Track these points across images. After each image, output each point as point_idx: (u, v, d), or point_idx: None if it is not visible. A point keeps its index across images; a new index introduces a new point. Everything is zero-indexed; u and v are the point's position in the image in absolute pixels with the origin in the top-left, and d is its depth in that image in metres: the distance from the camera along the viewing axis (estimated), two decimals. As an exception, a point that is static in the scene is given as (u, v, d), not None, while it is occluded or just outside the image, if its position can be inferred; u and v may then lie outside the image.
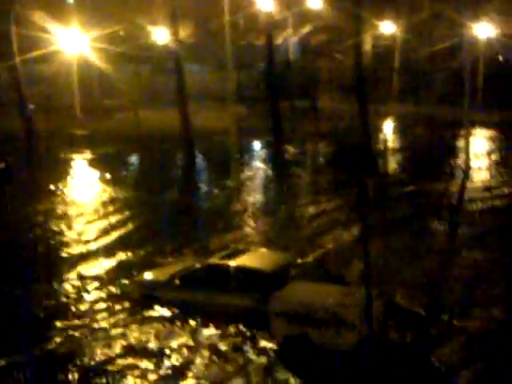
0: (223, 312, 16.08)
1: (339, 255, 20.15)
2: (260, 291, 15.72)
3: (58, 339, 15.76)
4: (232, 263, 16.59)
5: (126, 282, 18.90)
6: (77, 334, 16.04)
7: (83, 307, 17.60)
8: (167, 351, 14.99)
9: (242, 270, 16.34)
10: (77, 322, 16.77)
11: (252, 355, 14.67)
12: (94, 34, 41.73)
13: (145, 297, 17.49)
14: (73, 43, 41.42)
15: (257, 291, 15.79)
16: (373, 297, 13.91)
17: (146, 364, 14.50)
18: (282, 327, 14.70)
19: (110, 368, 14.44)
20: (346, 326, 14.00)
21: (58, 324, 16.55)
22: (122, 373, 14.23)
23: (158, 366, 14.43)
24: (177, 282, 17.13)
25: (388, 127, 45.94)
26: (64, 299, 18.13)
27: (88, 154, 38.59)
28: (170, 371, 14.27)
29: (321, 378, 13.57)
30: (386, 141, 36.31)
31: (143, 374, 14.13)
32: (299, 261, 17.99)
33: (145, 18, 52.67)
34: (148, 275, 18.29)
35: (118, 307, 17.45)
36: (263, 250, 18.47)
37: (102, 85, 50.80)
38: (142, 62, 54.10)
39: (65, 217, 25.89)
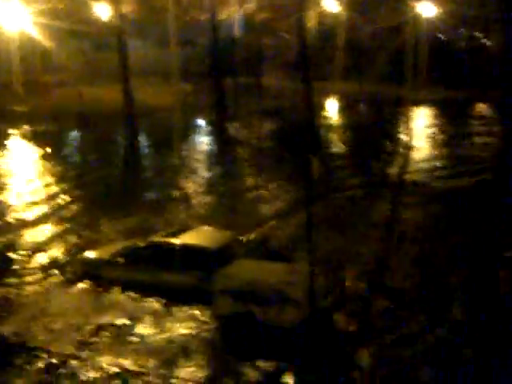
0: (167, 290, 16.04)
1: (282, 233, 20.26)
2: (204, 269, 15.72)
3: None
4: (176, 241, 16.58)
5: (67, 259, 18.79)
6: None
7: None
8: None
9: (185, 248, 16.34)
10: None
11: (194, 332, 14.65)
12: (34, 8, 40.93)
13: (87, 275, 17.36)
14: (13, 17, 40.56)
15: (200, 269, 15.80)
16: (316, 274, 14.00)
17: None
18: (226, 305, 14.69)
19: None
20: (290, 304, 14.07)
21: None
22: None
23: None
24: (120, 260, 17.03)
25: (331, 105, 46.15)
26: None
27: (27, 130, 37.94)
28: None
29: (261, 356, 13.60)
30: (328, 118, 36.52)
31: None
32: (243, 239, 17.95)
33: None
34: (90, 253, 18.12)
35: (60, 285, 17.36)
36: (207, 227, 18.39)
37: (44, 60, 49.80)
38: (85, 37, 53.22)
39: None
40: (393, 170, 27.74)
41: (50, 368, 13.15)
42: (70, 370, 13.02)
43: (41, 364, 13.32)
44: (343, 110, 45.16)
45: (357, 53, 51.47)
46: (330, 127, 34.30)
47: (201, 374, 12.97)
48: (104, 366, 13.13)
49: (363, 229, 20.41)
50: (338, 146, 33.53)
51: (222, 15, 49.16)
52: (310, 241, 14.38)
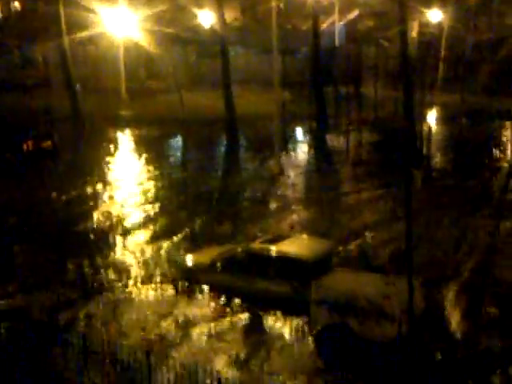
0: (263, 298, 16.17)
1: (381, 244, 20.13)
2: (300, 278, 15.74)
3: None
4: (273, 249, 16.65)
5: (167, 263, 19.19)
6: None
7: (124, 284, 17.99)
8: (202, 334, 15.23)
9: (282, 256, 16.38)
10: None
11: (290, 342, 14.75)
12: (140, 14, 42.00)
13: (187, 279, 17.70)
14: (120, 24, 41.73)
15: (297, 278, 15.82)
16: (414, 288, 13.78)
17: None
18: (323, 315, 14.72)
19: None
20: (387, 318, 13.98)
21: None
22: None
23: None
24: (218, 265, 17.27)
25: (432, 116, 45.51)
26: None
27: (132, 134, 39.10)
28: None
29: (356, 368, 13.57)
30: (430, 130, 36.00)
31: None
32: (341, 249, 17.95)
33: (190, 0, 52.81)
34: (190, 258, 18.49)
35: (160, 288, 17.74)
36: (304, 236, 18.46)
37: (148, 66, 51.10)
38: (188, 44, 54.25)
39: (107, 195, 26.40)
40: (495, 188, 27.13)
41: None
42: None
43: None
44: (444, 121, 44.41)
45: (459, 64, 50.65)
46: (431, 139, 33.76)
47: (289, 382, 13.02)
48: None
49: (465, 244, 20.04)
50: (439, 159, 33.02)
51: (324, 24, 49.21)
52: (409, 253, 14.15)
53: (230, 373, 13.10)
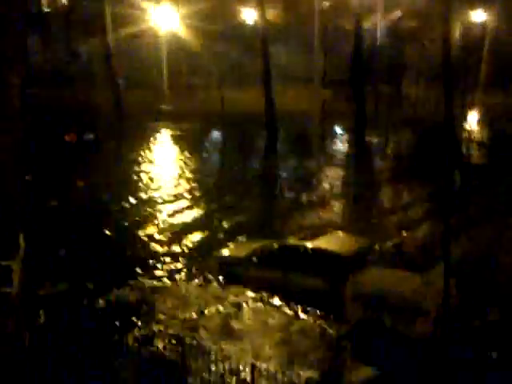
0: (298, 292, 16.35)
1: (417, 242, 20.18)
2: (336, 274, 15.93)
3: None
4: (309, 245, 16.82)
5: (206, 257, 19.47)
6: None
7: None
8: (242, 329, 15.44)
9: (318, 253, 16.55)
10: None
11: (323, 337, 14.90)
12: (184, 11, 42.45)
13: (224, 272, 17.96)
14: (164, 20, 42.23)
15: (332, 274, 16.00)
16: (451, 288, 13.83)
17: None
18: (357, 311, 14.88)
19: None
20: (421, 315, 14.09)
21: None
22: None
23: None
24: (255, 259, 17.47)
25: (473, 117, 45.21)
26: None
27: (173, 129, 39.55)
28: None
29: (390, 363, 13.65)
30: (470, 130, 35.84)
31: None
32: (377, 246, 18.03)
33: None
34: (227, 252, 18.77)
35: (197, 281, 18.02)
36: (341, 233, 18.60)
37: (190, 62, 51.47)
38: (230, 41, 54.52)
39: (146, 190, 26.84)
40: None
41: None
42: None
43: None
44: (485, 122, 44.09)
45: (501, 65, 50.13)
46: (472, 140, 33.60)
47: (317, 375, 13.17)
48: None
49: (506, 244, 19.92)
50: (479, 160, 32.84)
51: (366, 23, 49.08)
52: (446, 252, 14.18)
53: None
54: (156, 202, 24.82)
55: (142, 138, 36.24)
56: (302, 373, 12.56)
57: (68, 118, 35.41)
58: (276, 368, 12.39)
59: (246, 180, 28.43)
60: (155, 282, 17.81)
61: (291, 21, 56.31)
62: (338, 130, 41.62)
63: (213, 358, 12.26)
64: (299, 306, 16.09)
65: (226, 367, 12.27)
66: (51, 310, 14.90)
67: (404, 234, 21.14)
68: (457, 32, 50.48)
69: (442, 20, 33.49)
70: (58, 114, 36.26)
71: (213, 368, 12.27)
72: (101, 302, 16.25)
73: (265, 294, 16.74)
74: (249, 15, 53.28)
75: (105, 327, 14.42)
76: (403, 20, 54.98)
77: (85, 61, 54.21)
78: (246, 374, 12.30)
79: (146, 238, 21.08)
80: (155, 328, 14.94)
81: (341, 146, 36.98)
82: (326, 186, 27.73)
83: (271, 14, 46.42)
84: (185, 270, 18.73)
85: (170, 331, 14.74)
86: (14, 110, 11.18)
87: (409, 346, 13.95)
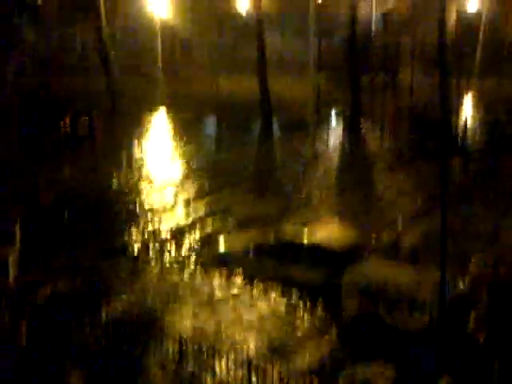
0: (294, 284, 16.28)
1: (415, 234, 20.10)
2: (331, 266, 15.89)
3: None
4: (304, 235, 16.80)
5: (199, 245, 19.34)
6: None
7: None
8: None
9: (314, 243, 16.53)
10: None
11: (319, 330, 14.82)
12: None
13: (221, 262, 17.85)
14: (158, 8, 42.01)
15: (328, 266, 15.97)
16: (448, 279, 13.83)
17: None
18: (353, 304, 14.84)
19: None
20: (419, 308, 14.05)
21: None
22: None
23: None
24: (249, 251, 17.40)
25: (468, 102, 45.16)
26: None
27: (167, 116, 39.45)
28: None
29: (385, 356, 13.61)
30: (466, 117, 35.78)
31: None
32: (373, 237, 17.96)
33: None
34: (224, 241, 18.69)
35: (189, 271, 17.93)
36: (337, 223, 18.52)
37: (185, 50, 51.33)
38: (226, 28, 54.37)
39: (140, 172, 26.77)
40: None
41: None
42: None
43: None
44: (481, 108, 44.05)
45: (496, 51, 50.13)
46: (468, 126, 33.51)
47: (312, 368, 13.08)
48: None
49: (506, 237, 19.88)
50: (476, 148, 32.76)
51: (361, 10, 48.97)
52: (444, 243, 14.12)
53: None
54: (146, 190, 24.57)
55: (136, 124, 36.12)
56: (296, 368, 12.52)
57: (61, 105, 35.44)
58: (269, 363, 12.35)
59: (239, 167, 28.22)
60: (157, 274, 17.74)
61: (285, 5, 56.17)
62: (333, 117, 41.50)
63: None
64: (294, 299, 16.00)
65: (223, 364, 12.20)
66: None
67: (401, 224, 21.06)
68: (452, 20, 50.35)
69: (437, 7, 33.37)
70: (53, 101, 36.25)
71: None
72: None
73: (258, 287, 16.64)
74: (242, 1, 52.99)
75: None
76: (398, 7, 54.89)
77: (78, 49, 54.06)
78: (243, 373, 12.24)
79: (134, 228, 20.90)
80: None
81: (336, 132, 36.86)
82: (321, 173, 27.60)
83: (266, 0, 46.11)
84: (176, 260, 18.60)
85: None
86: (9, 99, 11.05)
87: (406, 339, 13.90)
